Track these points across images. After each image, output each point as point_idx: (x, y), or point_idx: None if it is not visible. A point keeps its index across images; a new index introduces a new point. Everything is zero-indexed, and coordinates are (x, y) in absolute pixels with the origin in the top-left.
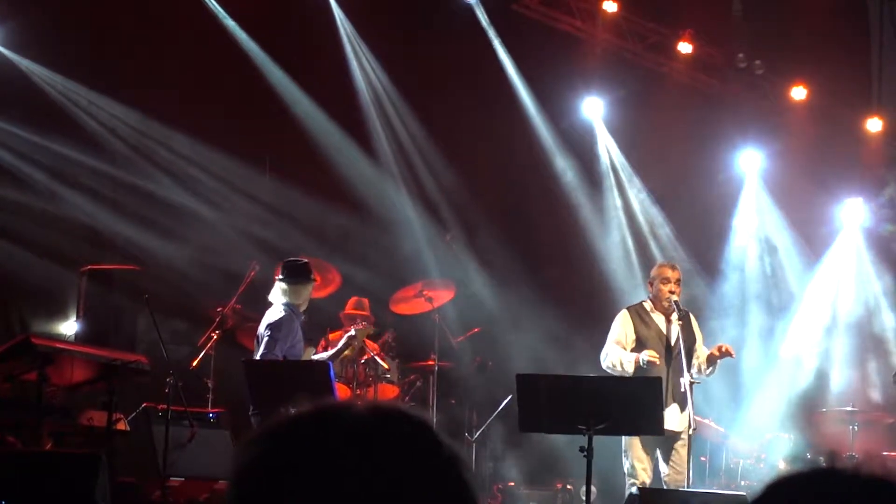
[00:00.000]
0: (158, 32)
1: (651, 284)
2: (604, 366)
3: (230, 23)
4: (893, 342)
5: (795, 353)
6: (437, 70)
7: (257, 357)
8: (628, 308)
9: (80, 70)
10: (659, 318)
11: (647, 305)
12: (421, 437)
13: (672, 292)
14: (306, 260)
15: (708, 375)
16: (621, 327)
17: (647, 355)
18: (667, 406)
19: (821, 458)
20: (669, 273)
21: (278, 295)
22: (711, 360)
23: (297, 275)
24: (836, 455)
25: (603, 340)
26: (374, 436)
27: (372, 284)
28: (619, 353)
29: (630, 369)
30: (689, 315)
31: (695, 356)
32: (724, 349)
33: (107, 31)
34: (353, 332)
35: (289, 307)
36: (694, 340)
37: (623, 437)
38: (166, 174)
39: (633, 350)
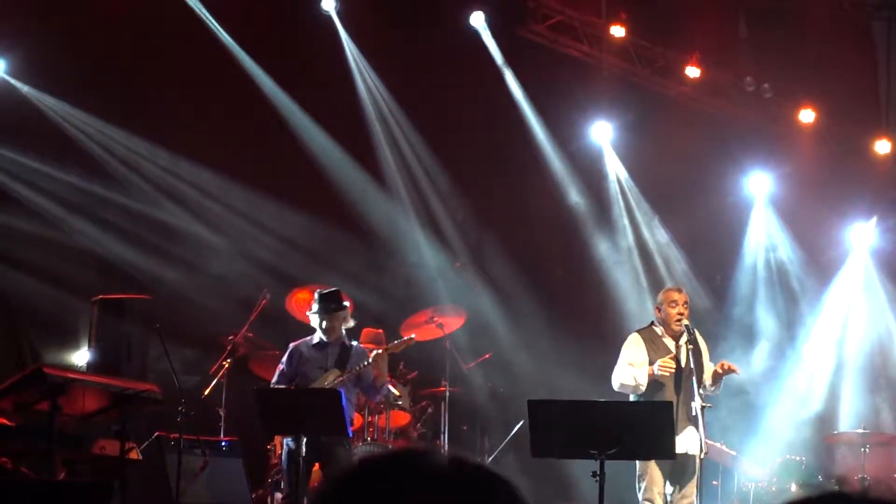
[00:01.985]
0: (167, 62)
1: (658, 309)
2: (616, 386)
3: (240, 52)
4: None
5: (806, 376)
6: (446, 96)
7: None
8: (638, 331)
9: (90, 100)
10: (669, 342)
11: (658, 330)
12: (501, 492)
13: (681, 314)
14: (331, 290)
15: (713, 393)
16: (633, 350)
17: (661, 363)
18: (680, 429)
19: (832, 481)
20: (676, 296)
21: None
22: (716, 378)
23: (319, 305)
24: (847, 479)
25: (614, 362)
26: (454, 487)
27: (383, 311)
28: (631, 371)
29: (644, 381)
30: (695, 333)
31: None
32: (726, 367)
33: (115, 60)
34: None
35: (318, 335)
36: (703, 364)
37: (637, 462)
38: (177, 203)
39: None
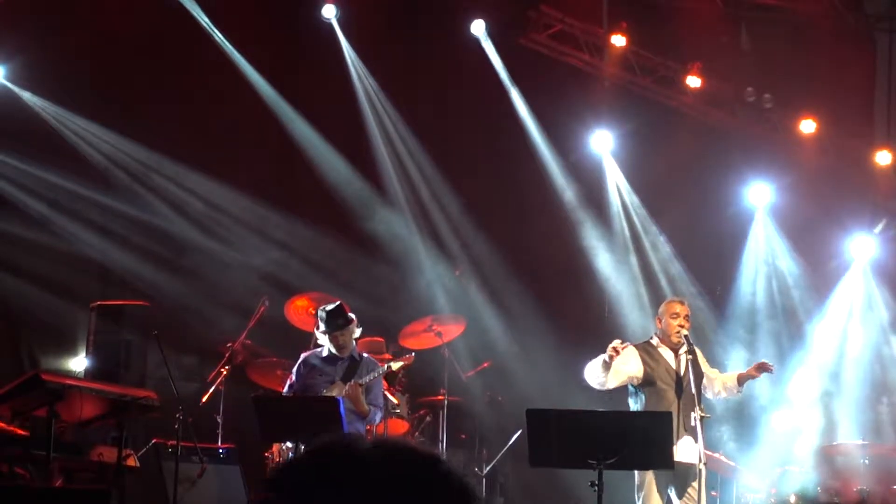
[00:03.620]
0: (168, 70)
1: (660, 320)
2: (588, 381)
3: (240, 60)
4: None
5: (807, 387)
6: (447, 105)
7: None
8: (635, 345)
9: (90, 107)
10: (667, 354)
11: (655, 341)
12: (429, 471)
13: (681, 326)
14: (334, 305)
15: (737, 395)
16: (627, 359)
17: (612, 344)
18: (678, 439)
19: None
20: (678, 308)
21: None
22: (743, 381)
23: (326, 324)
24: (846, 491)
25: None
26: (380, 472)
27: (381, 319)
28: (592, 364)
29: (599, 368)
30: (695, 350)
31: (707, 384)
32: (762, 367)
33: (116, 68)
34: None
35: (326, 349)
36: (702, 375)
37: (636, 473)
38: (175, 210)
39: (641, 386)
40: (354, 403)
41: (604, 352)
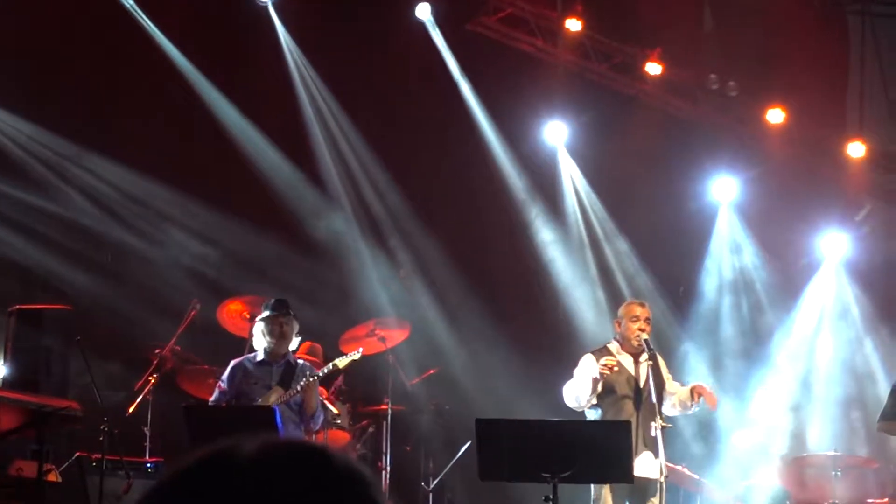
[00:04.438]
0: (93, 59)
1: (619, 324)
2: (567, 402)
3: (169, 47)
4: (878, 383)
5: (774, 395)
6: (390, 94)
7: None
8: (592, 352)
9: (6, 97)
10: (627, 360)
11: (614, 347)
12: (314, 467)
13: (642, 330)
14: (274, 299)
15: (692, 411)
16: (586, 370)
17: (603, 361)
18: (638, 452)
19: None
20: (638, 311)
21: (257, 339)
22: (695, 399)
23: (269, 308)
24: None
25: (569, 379)
26: (263, 479)
27: (320, 323)
28: (576, 382)
29: (586, 388)
30: (656, 355)
31: (666, 395)
32: (699, 390)
33: (36, 57)
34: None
35: (260, 353)
36: (663, 383)
37: (592, 487)
38: (99, 206)
39: (600, 396)
40: (308, 399)
41: (564, 361)
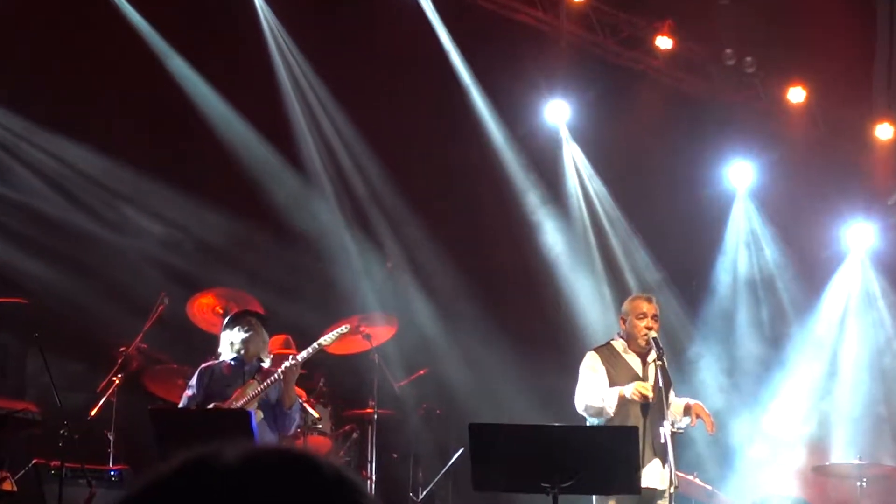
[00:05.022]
0: (56, 31)
1: (624, 321)
2: (580, 408)
3: (126, 7)
4: None
5: (794, 398)
6: (378, 71)
7: None
8: (596, 349)
9: None
10: (633, 360)
11: (619, 345)
12: (302, 475)
13: (649, 328)
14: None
15: (682, 427)
16: (591, 371)
17: (636, 388)
18: (645, 460)
19: None
20: (645, 307)
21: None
22: (687, 412)
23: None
24: None
25: (572, 381)
26: (249, 487)
27: (300, 319)
28: (599, 391)
29: (613, 405)
30: (664, 356)
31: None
32: (697, 410)
33: None
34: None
35: (231, 357)
36: (670, 384)
37: (594, 498)
38: (58, 190)
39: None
40: (286, 390)
41: (566, 360)
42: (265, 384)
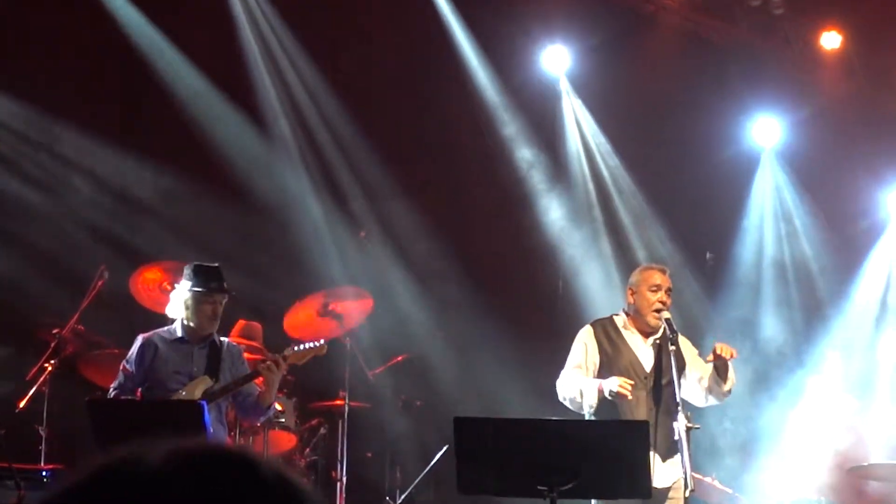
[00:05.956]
0: None
1: (632, 292)
2: (560, 396)
3: None
4: None
5: (827, 390)
6: (352, 17)
7: None
8: (593, 323)
9: None
10: (635, 340)
11: (620, 321)
12: (237, 479)
13: (662, 303)
14: (211, 265)
15: (724, 395)
16: (583, 347)
17: (616, 384)
18: (657, 458)
19: None
20: (659, 278)
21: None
22: (721, 371)
23: (195, 281)
24: None
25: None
26: (173, 494)
27: (259, 297)
28: (577, 380)
29: (592, 400)
30: (677, 337)
31: (691, 380)
32: (718, 351)
33: None
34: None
35: (178, 327)
36: (684, 367)
37: (593, 503)
38: None
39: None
40: (268, 390)
41: (565, 346)
42: (221, 388)
